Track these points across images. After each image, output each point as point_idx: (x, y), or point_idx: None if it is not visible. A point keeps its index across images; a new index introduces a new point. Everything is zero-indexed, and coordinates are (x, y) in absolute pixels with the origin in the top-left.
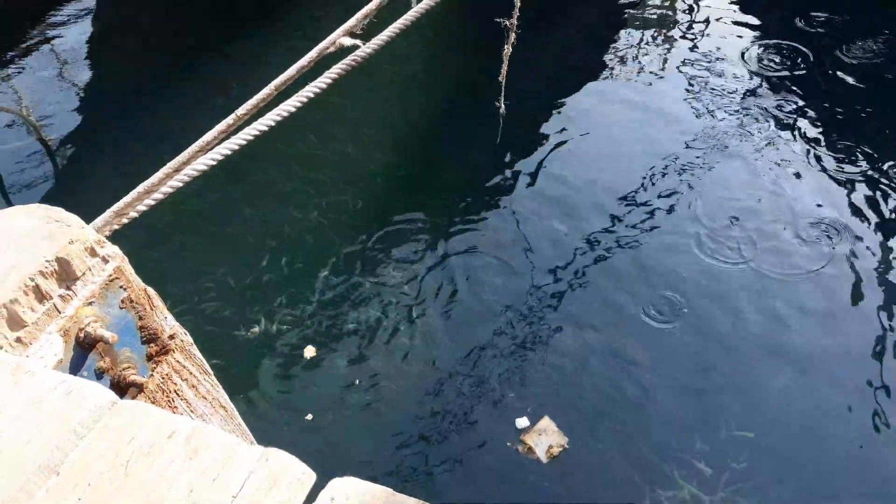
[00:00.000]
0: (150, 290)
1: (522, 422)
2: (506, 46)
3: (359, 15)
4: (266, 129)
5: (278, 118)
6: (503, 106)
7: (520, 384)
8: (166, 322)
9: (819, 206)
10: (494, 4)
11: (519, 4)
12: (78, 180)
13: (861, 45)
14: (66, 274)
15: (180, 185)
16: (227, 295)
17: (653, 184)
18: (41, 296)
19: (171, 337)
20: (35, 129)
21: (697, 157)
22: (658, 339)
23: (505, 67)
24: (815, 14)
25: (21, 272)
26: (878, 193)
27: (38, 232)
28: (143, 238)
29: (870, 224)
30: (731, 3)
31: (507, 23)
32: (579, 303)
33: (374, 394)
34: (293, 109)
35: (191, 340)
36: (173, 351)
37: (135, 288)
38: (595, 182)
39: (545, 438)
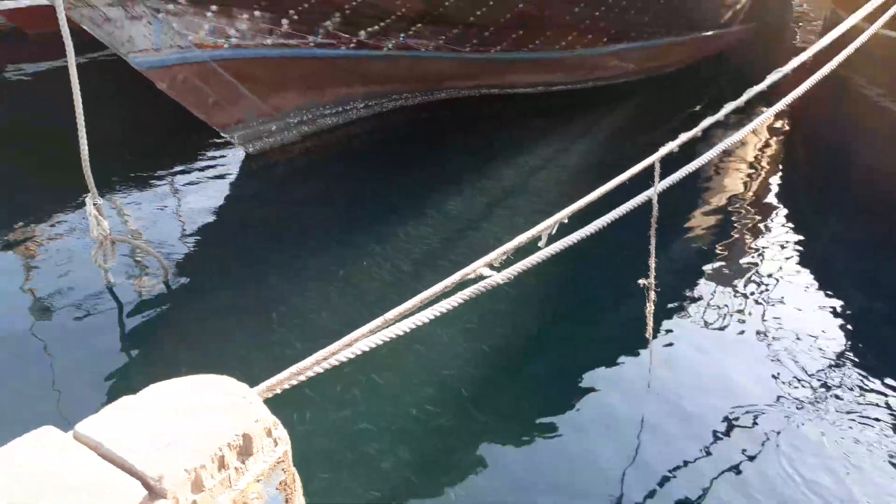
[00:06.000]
0: (296, 474)
1: None
2: (647, 304)
3: (499, 250)
4: (408, 330)
5: (414, 325)
6: (652, 358)
7: None
8: None
9: None
10: (617, 251)
11: (654, 265)
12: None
13: None
14: (245, 449)
15: (321, 370)
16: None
17: None
18: (223, 465)
19: None
20: (164, 271)
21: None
22: None
23: (650, 326)
24: None
25: (214, 442)
26: None
27: (231, 404)
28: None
29: None
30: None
31: (646, 282)
32: None
33: None
34: (426, 320)
35: None
36: None
37: (291, 471)
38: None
39: None
